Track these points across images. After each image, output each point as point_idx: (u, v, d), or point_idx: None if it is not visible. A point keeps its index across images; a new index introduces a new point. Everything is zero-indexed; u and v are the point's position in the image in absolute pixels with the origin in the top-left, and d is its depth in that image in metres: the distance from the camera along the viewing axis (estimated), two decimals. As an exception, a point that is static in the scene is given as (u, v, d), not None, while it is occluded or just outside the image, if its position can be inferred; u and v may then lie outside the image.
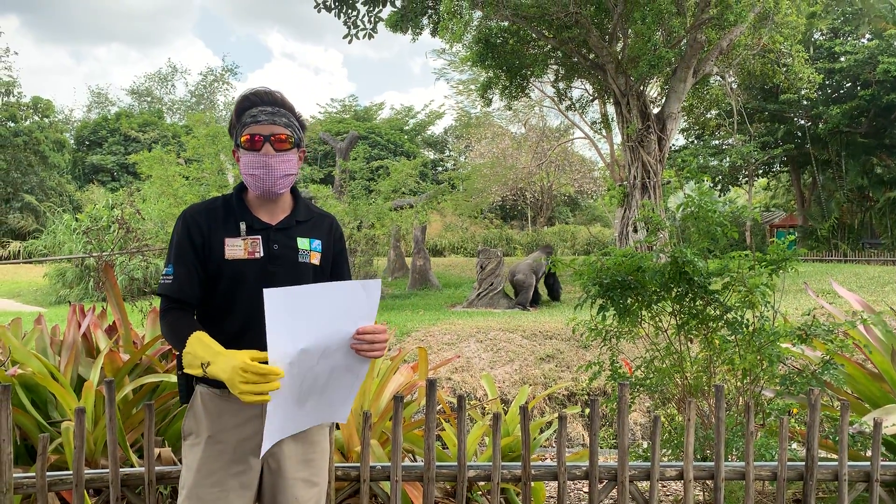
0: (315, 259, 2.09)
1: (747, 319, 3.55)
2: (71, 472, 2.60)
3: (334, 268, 2.18)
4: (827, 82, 24.16)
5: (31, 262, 22.50)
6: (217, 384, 1.97)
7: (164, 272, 2.01)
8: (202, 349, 1.80)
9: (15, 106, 33.73)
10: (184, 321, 1.93)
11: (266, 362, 1.75)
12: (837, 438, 2.96)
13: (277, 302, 1.73)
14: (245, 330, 1.97)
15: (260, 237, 2.02)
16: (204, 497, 1.93)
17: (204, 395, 2.00)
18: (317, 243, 2.11)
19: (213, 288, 2.00)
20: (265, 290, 1.73)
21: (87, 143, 39.87)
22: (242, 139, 1.99)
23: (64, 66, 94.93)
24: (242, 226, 2.02)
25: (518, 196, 34.61)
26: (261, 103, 2.00)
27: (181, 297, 1.97)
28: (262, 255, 2.01)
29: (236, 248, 1.99)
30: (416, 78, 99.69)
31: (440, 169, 41.56)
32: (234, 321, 1.99)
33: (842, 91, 25.12)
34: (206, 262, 2.00)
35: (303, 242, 2.08)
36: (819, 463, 2.91)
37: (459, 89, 34.60)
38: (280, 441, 2.01)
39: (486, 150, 31.89)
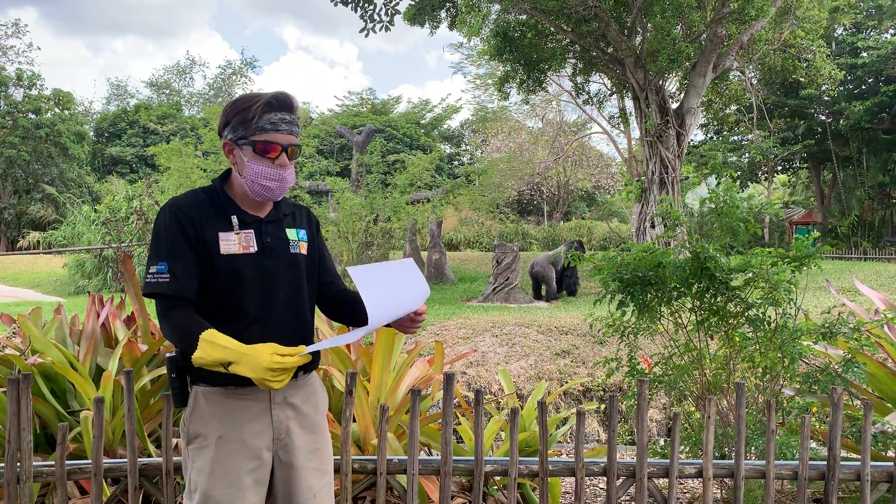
0: (304, 249, 2.08)
1: (769, 317, 3.51)
2: (90, 461, 2.61)
3: (322, 257, 2.18)
4: (849, 78, 23.83)
5: (50, 253, 22.74)
6: (221, 382, 1.92)
7: (153, 270, 1.87)
8: (218, 352, 1.73)
9: (38, 99, 34.10)
10: (191, 321, 1.83)
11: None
12: (859, 438, 2.91)
13: (363, 276, 1.82)
14: (249, 327, 1.92)
15: (252, 231, 1.97)
16: (220, 498, 1.89)
17: (207, 395, 1.94)
18: (302, 233, 2.09)
19: (211, 286, 1.92)
20: (350, 268, 1.80)
21: (106, 134, 40.21)
22: (256, 144, 1.91)
23: (82, 58, 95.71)
24: (234, 219, 1.96)
25: (534, 191, 34.55)
26: (280, 109, 1.93)
27: (181, 295, 1.87)
28: (256, 249, 1.96)
29: (230, 243, 1.93)
30: (432, 71, 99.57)
31: (456, 163, 41.53)
32: (238, 320, 1.92)
33: (864, 87, 24.77)
34: (199, 257, 1.92)
35: (292, 233, 2.06)
36: (840, 462, 2.87)
37: (476, 83, 34.54)
38: (290, 433, 2.01)
39: (503, 145, 31.84)
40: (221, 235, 1.93)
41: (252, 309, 1.94)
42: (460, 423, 3.65)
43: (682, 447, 3.65)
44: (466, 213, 32.48)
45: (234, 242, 1.94)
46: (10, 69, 35.18)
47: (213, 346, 1.74)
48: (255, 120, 1.91)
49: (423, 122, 42.16)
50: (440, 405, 3.68)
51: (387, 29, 15.94)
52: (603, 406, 6.74)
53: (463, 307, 11.77)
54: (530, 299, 13.59)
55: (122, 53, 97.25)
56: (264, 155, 1.92)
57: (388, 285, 1.92)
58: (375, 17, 15.71)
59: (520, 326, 8.53)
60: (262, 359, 1.70)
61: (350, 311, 2.17)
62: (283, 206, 2.09)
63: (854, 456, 3.29)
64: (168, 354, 1.95)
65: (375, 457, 2.73)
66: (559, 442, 5.58)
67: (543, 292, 13.94)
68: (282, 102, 1.93)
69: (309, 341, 2.06)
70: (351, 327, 2.20)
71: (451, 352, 7.60)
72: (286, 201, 2.13)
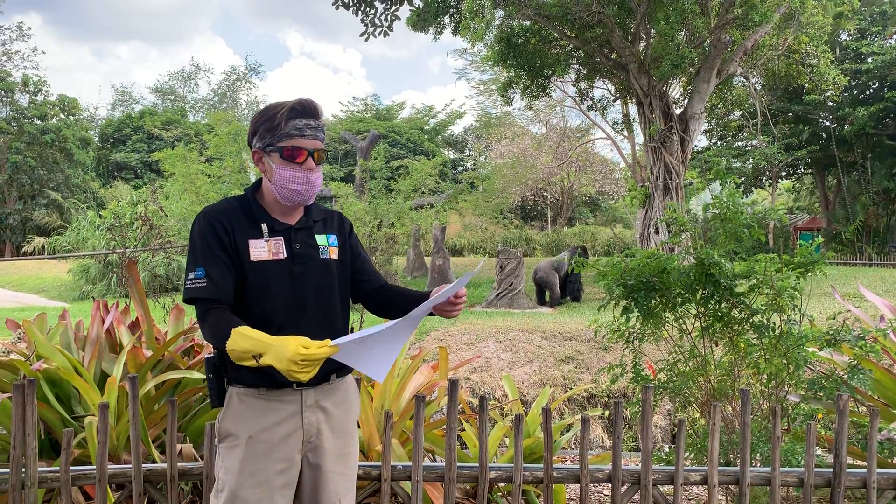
0: (334, 254, 2.12)
1: (774, 323, 3.50)
2: (94, 466, 2.61)
3: (356, 259, 2.22)
4: (853, 83, 23.79)
5: (55, 258, 22.80)
6: (254, 383, 1.97)
7: (191, 276, 1.93)
8: (249, 343, 1.76)
9: (44, 104, 34.24)
10: (225, 319, 1.87)
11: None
12: (865, 445, 2.90)
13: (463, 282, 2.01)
14: (279, 332, 1.91)
15: (282, 238, 2.02)
16: (248, 498, 1.92)
17: (241, 396, 1.99)
18: (333, 238, 2.14)
19: (242, 292, 1.97)
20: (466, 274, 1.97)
21: (111, 140, 40.34)
22: (283, 150, 1.97)
23: (86, 63, 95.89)
24: (264, 227, 2.01)
25: (538, 196, 34.52)
26: (305, 115, 1.99)
27: (218, 297, 1.92)
28: (285, 255, 2.01)
29: (260, 249, 1.98)
30: (435, 77, 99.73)
31: (460, 169, 41.57)
32: (268, 325, 1.94)
33: (868, 92, 24.73)
34: (233, 263, 1.97)
35: (321, 239, 2.10)
36: (846, 470, 2.86)
37: (480, 89, 34.61)
38: (320, 435, 2.04)
39: (507, 150, 31.84)
40: (252, 242, 1.98)
41: (282, 314, 1.98)
42: (464, 430, 3.64)
43: (687, 454, 3.63)
44: (470, 219, 32.50)
45: (264, 249, 1.99)
46: (15, 74, 35.36)
47: (243, 337, 1.77)
48: (281, 127, 1.97)
49: (427, 127, 42.23)
50: (444, 411, 3.67)
51: (386, 34, 15.99)
52: (607, 412, 6.72)
53: (467, 312, 11.75)
54: (534, 305, 13.57)
55: (126, 59, 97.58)
56: (291, 160, 1.97)
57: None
58: (376, 21, 15.78)
59: (524, 332, 8.52)
60: (287, 350, 1.72)
61: (393, 305, 2.21)
62: (313, 212, 2.13)
63: (860, 463, 3.28)
64: (206, 356, 2.00)
65: (379, 463, 2.73)
66: (563, 448, 5.57)
67: (547, 298, 13.93)
68: (305, 108, 1.99)
69: None
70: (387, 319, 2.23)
71: (454, 357, 7.59)
72: (317, 207, 2.17)
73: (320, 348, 1.75)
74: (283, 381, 1.95)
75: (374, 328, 1.89)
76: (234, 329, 1.79)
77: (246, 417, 1.96)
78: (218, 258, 1.94)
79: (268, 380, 1.95)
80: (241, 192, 2.13)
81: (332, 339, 1.82)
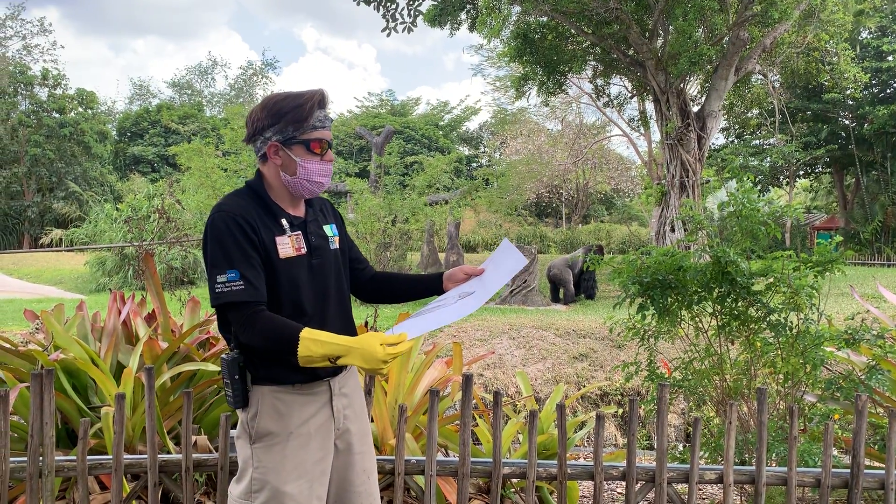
0: (338, 243, 2.11)
1: (791, 322, 3.47)
2: (110, 456, 2.63)
3: (351, 247, 2.24)
4: (873, 82, 23.51)
5: (72, 250, 22.97)
6: (289, 380, 1.95)
7: (222, 279, 1.83)
8: (326, 348, 1.78)
9: (62, 98, 34.53)
10: (280, 323, 1.84)
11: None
12: (883, 446, 2.87)
13: (507, 252, 2.14)
14: (307, 325, 1.91)
15: (300, 232, 2.00)
16: (293, 493, 1.91)
17: (276, 394, 1.95)
18: (334, 228, 2.14)
19: (271, 290, 1.91)
20: (506, 240, 2.11)
21: (128, 134, 40.63)
22: (310, 142, 1.94)
23: (103, 57, 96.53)
24: (284, 222, 1.97)
25: (553, 193, 34.41)
26: (324, 106, 1.98)
27: (259, 300, 1.85)
28: (305, 250, 1.99)
29: (286, 246, 1.95)
30: (450, 73, 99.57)
31: (475, 165, 41.53)
32: (297, 320, 1.92)
33: (889, 91, 24.43)
34: (262, 262, 1.91)
35: (328, 230, 2.10)
36: (864, 471, 2.83)
37: (496, 85, 34.52)
38: (347, 420, 2.08)
39: (522, 147, 31.76)
40: (278, 240, 1.94)
41: (309, 308, 1.98)
42: (477, 425, 3.64)
43: (702, 453, 3.61)
44: (484, 216, 32.46)
45: (289, 245, 1.96)
46: (35, 68, 35.68)
47: (318, 342, 1.79)
48: (308, 119, 1.94)
49: (442, 123, 42.22)
50: (457, 406, 3.67)
51: (409, 30, 15.97)
52: (621, 411, 6.70)
53: (480, 309, 11.73)
54: (548, 302, 13.53)
55: (142, 54, 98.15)
56: (315, 152, 1.96)
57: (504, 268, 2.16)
58: (398, 16, 15.78)
59: (537, 329, 8.50)
60: (376, 351, 1.77)
61: (390, 289, 2.26)
62: (313, 203, 2.12)
63: (877, 464, 3.24)
64: (224, 357, 1.94)
65: (393, 457, 2.73)
66: (576, 445, 5.56)
67: (561, 295, 13.89)
68: (325, 99, 1.98)
69: (352, 329, 2.13)
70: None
71: (468, 354, 7.59)
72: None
73: (400, 343, 1.80)
74: (316, 373, 1.96)
75: (430, 308, 2.03)
76: (301, 335, 1.79)
77: (285, 414, 1.94)
78: (251, 258, 1.87)
79: (304, 375, 1.94)
80: (243, 186, 2.05)
81: (350, 331, 1.86)
